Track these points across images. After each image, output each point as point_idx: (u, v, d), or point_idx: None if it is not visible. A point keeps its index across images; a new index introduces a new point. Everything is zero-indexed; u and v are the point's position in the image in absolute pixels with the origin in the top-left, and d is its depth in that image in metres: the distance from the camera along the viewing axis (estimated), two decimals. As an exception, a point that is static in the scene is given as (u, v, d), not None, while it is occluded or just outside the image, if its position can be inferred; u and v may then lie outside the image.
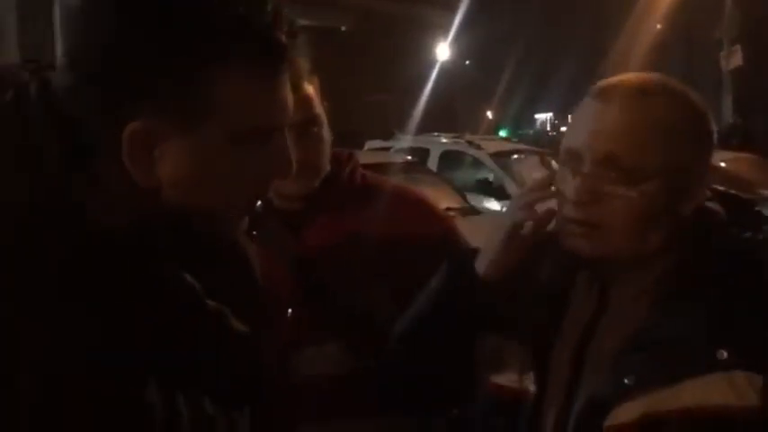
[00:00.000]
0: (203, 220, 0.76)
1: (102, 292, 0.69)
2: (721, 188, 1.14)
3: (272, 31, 0.74)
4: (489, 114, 24.87)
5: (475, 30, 20.54)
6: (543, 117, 34.31)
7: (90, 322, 0.68)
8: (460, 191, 7.58)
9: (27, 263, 0.67)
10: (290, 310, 1.42)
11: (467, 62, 24.58)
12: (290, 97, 0.79)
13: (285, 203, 1.47)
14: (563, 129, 30.83)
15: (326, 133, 1.46)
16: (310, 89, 1.43)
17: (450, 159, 9.51)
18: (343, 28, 17.72)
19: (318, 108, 1.45)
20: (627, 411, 0.95)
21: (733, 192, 1.15)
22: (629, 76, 1.06)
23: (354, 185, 1.52)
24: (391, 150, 9.84)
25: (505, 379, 1.15)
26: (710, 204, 1.08)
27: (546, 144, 16.67)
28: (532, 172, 7.59)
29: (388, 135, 11.14)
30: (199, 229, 0.77)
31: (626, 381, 0.97)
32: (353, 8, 17.65)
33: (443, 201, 6.34)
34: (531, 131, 29.79)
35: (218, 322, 0.79)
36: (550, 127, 32.55)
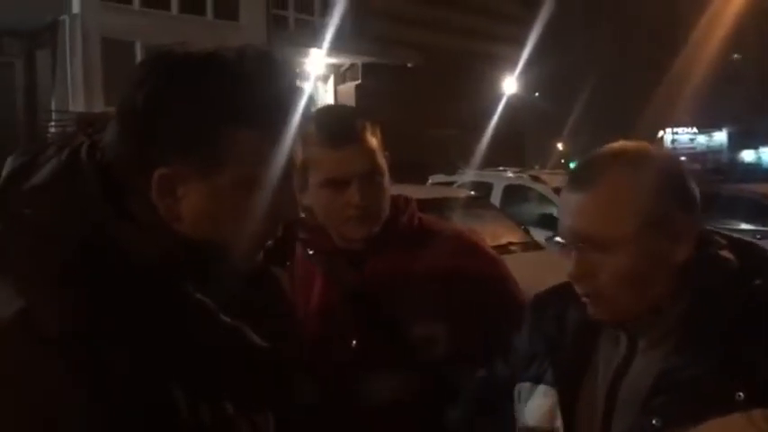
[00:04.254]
0: (219, 251, 0.88)
1: (133, 310, 0.81)
2: (734, 236, 1.18)
3: (281, 97, 0.88)
4: (560, 146, 24.64)
5: (544, 62, 20.50)
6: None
7: (123, 337, 0.79)
8: (523, 225, 7.53)
9: (74, 288, 0.80)
10: (354, 342, 1.52)
11: (536, 94, 24.49)
12: (298, 148, 0.92)
13: (348, 244, 1.55)
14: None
15: (387, 182, 1.57)
16: (374, 142, 1.52)
17: (514, 194, 9.47)
18: (409, 65, 17.99)
19: (380, 159, 1.53)
20: None
21: (746, 239, 1.19)
22: (592, 159, 1.14)
23: (412, 228, 1.63)
24: (454, 185, 9.88)
25: (535, 421, 1.21)
26: (723, 252, 1.13)
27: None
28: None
29: (452, 169, 11.21)
30: (217, 259, 0.89)
31: (654, 422, 1.03)
32: (420, 46, 17.95)
33: (505, 236, 6.33)
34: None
35: (234, 337, 0.89)
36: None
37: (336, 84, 18.64)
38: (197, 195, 0.86)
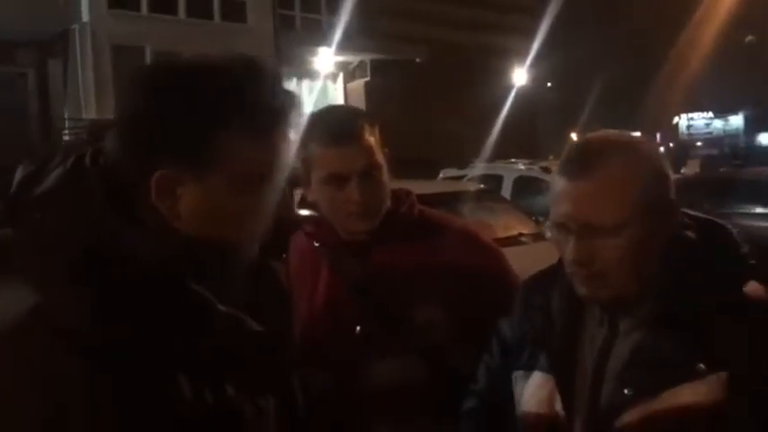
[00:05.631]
0: (217, 247, 0.95)
1: (138, 304, 0.87)
2: (698, 215, 1.25)
3: (267, 102, 0.95)
4: (574, 136, 24.55)
5: (556, 52, 20.42)
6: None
7: (130, 328, 0.86)
8: (534, 216, 7.53)
9: (84, 285, 0.86)
10: (358, 328, 1.58)
11: (548, 85, 24.39)
12: (285, 149, 0.98)
13: (351, 236, 1.62)
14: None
15: (386, 177, 1.63)
16: (371, 139, 1.59)
17: (524, 185, 9.46)
18: (418, 60, 18.00)
19: (379, 156, 1.60)
20: (630, 416, 1.14)
21: (707, 217, 1.25)
22: (585, 147, 1.20)
23: (412, 219, 1.69)
24: (465, 179, 9.88)
25: (536, 408, 1.28)
26: (689, 233, 1.21)
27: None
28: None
29: (463, 163, 11.20)
30: (216, 254, 0.96)
31: (626, 392, 1.15)
32: (428, 41, 17.94)
33: (516, 227, 6.34)
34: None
35: (232, 324, 0.95)
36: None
37: (346, 81, 18.69)
38: (194, 195, 0.92)
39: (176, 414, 0.87)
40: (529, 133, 19.14)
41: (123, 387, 0.83)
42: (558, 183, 1.19)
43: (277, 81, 0.97)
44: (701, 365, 1.09)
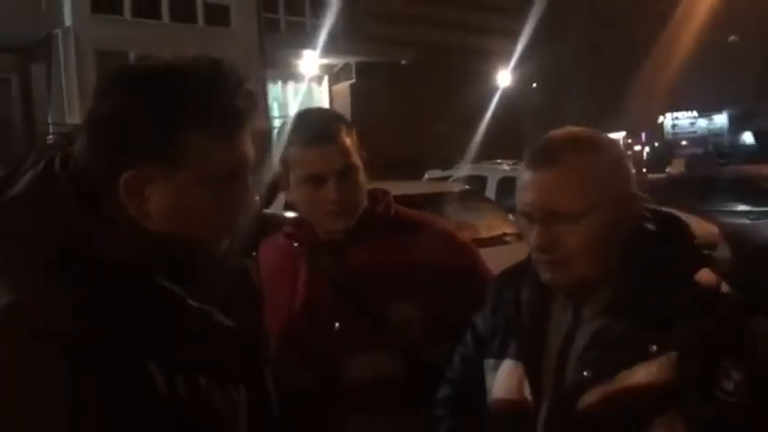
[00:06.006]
0: (186, 244, 0.98)
1: (111, 300, 0.91)
2: (657, 208, 1.31)
3: (231, 102, 0.98)
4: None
5: (540, 54, 20.53)
6: (615, 137, 33.69)
7: (105, 323, 0.89)
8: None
9: (58, 283, 0.89)
10: (336, 324, 1.63)
11: (533, 85, 24.50)
12: (249, 149, 1.01)
13: (329, 235, 1.67)
14: (636, 148, 30.22)
15: (362, 177, 1.68)
16: (348, 141, 1.63)
17: (509, 185, 9.46)
18: (403, 62, 18.05)
19: (355, 157, 1.64)
20: (590, 396, 1.20)
21: (666, 211, 1.33)
22: (549, 141, 1.27)
23: (388, 218, 1.74)
24: (450, 180, 9.92)
25: (506, 394, 1.33)
26: (648, 225, 1.28)
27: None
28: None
29: (447, 164, 11.25)
30: (186, 252, 0.99)
31: (585, 374, 1.22)
32: (413, 42, 17.99)
33: (500, 227, 6.37)
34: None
35: (203, 319, 0.98)
36: (624, 147, 31.82)
37: (331, 84, 18.73)
38: (162, 195, 0.96)
39: (154, 408, 0.90)
40: (513, 134, 19.22)
41: (99, 381, 0.85)
42: (523, 175, 1.26)
43: (239, 82, 1.00)
44: (654, 347, 1.16)
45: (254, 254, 1.16)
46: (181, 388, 0.93)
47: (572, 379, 1.24)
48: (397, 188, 1.84)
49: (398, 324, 1.60)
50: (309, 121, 1.68)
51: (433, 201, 5.97)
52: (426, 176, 10.66)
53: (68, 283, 0.88)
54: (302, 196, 1.64)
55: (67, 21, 14.13)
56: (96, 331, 0.87)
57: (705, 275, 1.21)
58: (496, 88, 19.63)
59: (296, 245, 1.71)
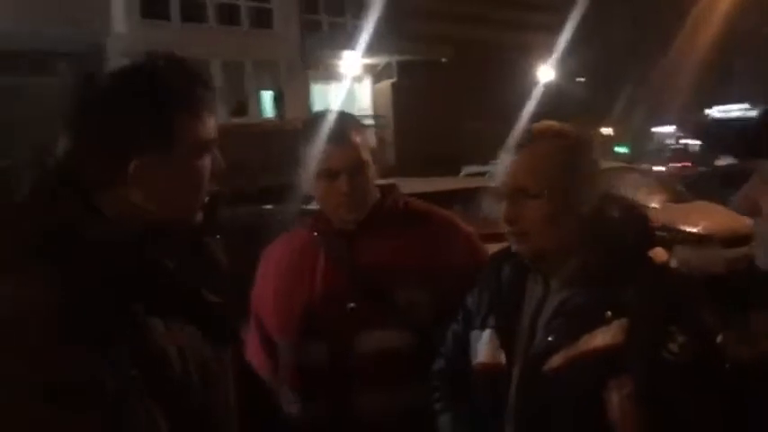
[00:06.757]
0: (173, 223, 1.14)
1: (107, 275, 1.05)
2: (622, 197, 1.51)
3: (197, 88, 1.16)
4: (605, 131, 24.34)
5: (585, 48, 20.31)
6: (664, 130, 33.05)
7: (105, 291, 1.03)
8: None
9: (50, 255, 1.02)
10: (350, 305, 1.82)
11: (579, 80, 24.26)
12: (213, 125, 1.18)
13: (344, 225, 1.88)
14: (685, 141, 29.58)
15: (372, 173, 1.89)
16: (359, 140, 1.85)
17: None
18: (443, 59, 18.09)
19: (365, 155, 1.85)
20: (555, 360, 1.37)
21: (629, 199, 1.52)
22: (526, 132, 1.48)
23: (398, 210, 1.95)
24: (486, 175, 9.99)
25: (484, 358, 1.52)
26: (612, 212, 1.47)
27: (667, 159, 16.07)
28: (624, 187, 7.51)
29: (485, 160, 11.31)
30: (173, 229, 1.14)
31: (550, 339, 1.40)
32: (453, 40, 18.00)
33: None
34: (652, 147, 28.76)
35: (193, 293, 1.16)
36: (674, 140, 31.16)
37: (373, 83, 18.87)
38: (160, 172, 1.11)
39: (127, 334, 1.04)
40: (557, 129, 18.99)
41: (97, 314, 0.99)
42: (502, 157, 1.48)
43: (204, 69, 1.22)
44: (609, 313, 1.34)
45: (218, 236, 1.38)
46: (158, 325, 1.08)
47: (539, 344, 1.41)
48: (433, 184, 2.05)
49: (405, 305, 1.80)
50: (326, 121, 1.90)
51: (468, 196, 6.08)
52: (463, 172, 10.76)
53: (60, 257, 1.02)
54: (318, 189, 1.86)
55: (119, 27, 14.53)
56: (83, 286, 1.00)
57: (658, 253, 1.39)
58: (537, 83, 19.54)
59: (315, 234, 1.92)
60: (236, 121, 15.22)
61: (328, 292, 1.86)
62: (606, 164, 10.70)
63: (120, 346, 1.02)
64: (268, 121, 15.84)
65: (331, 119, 1.95)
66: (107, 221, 1.10)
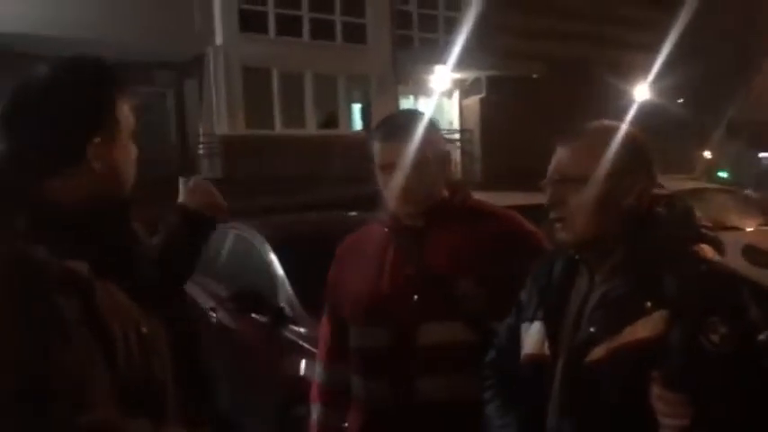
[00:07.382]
0: (117, 192, 1.36)
1: (72, 238, 1.24)
2: (668, 192, 1.55)
3: (119, 80, 1.40)
4: (707, 155, 23.41)
5: (687, 68, 19.66)
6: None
7: (68, 248, 1.21)
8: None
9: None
10: (415, 297, 1.93)
11: (679, 101, 23.46)
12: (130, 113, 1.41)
13: (411, 221, 2.00)
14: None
15: (432, 171, 1.97)
16: (418, 135, 1.95)
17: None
18: (534, 76, 17.91)
19: (426, 152, 1.94)
20: (597, 352, 1.39)
21: (674, 194, 1.55)
22: (578, 128, 1.53)
23: (464, 208, 2.05)
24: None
25: (531, 349, 1.57)
26: (659, 209, 1.48)
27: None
28: (713, 209, 7.29)
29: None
30: (117, 200, 1.36)
31: (591, 330, 1.42)
32: (544, 56, 17.82)
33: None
34: (756, 171, 27.36)
35: (129, 256, 1.37)
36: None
37: (461, 98, 18.88)
38: (112, 150, 1.34)
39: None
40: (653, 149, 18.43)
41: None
42: (556, 150, 1.53)
43: (115, 68, 1.41)
44: (648, 303, 1.34)
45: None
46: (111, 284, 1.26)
47: (582, 336, 1.44)
48: (518, 198, 2.15)
49: (466, 298, 1.88)
50: (390, 120, 2.04)
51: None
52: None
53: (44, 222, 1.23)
54: (380, 181, 1.98)
55: (218, 39, 15.12)
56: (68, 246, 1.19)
57: (703, 249, 1.39)
58: (632, 102, 19.00)
59: (386, 230, 2.03)
60: (325, 132, 15.59)
61: (396, 283, 1.96)
62: (695, 184, 10.39)
63: (70, 299, 1.18)
64: (356, 133, 16.13)
65: (397, 117, 2.10)
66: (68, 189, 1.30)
